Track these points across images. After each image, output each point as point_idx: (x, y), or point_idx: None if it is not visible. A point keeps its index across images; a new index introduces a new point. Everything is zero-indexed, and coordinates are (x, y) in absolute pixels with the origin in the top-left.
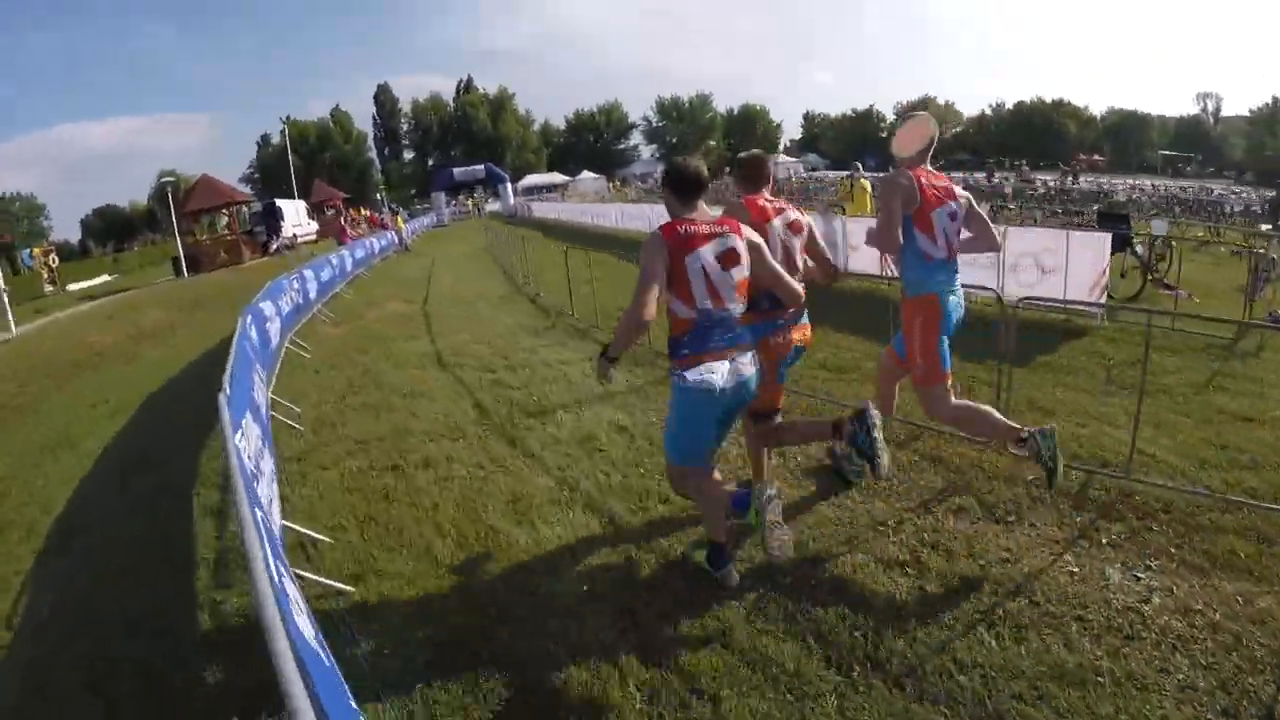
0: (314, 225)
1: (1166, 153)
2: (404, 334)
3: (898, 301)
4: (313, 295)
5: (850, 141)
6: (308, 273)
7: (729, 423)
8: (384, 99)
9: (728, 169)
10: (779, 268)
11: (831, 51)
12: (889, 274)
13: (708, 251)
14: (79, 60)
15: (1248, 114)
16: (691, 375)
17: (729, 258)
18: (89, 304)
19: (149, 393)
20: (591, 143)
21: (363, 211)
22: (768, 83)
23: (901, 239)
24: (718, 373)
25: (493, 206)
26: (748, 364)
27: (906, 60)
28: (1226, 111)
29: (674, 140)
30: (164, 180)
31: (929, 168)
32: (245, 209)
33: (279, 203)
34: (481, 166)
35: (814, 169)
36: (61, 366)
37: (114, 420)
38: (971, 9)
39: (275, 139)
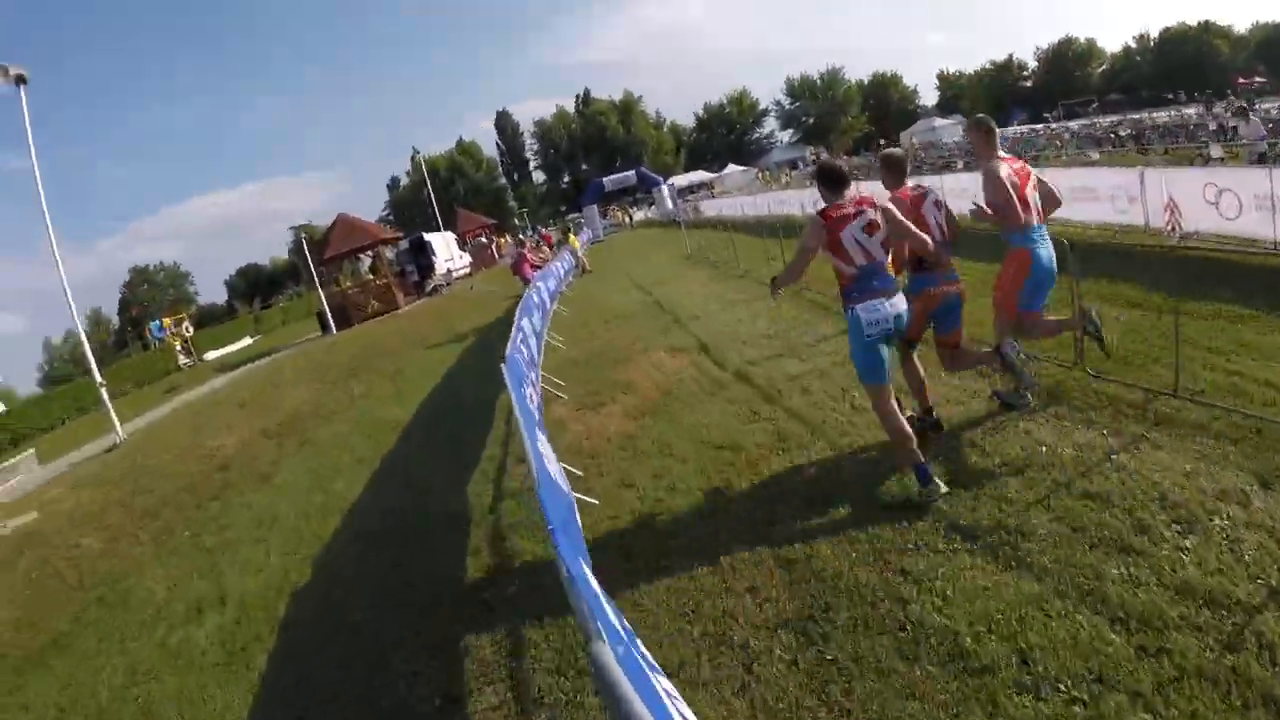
0: (466, 257)
1: None
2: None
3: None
4: (535, 351)
5: (991, 97)
6: (524, 323)
7: (889, 344)
8: (504, 125)
9: (875, 146)
10: (910, 226)
11: (943, 10)
12: None
13: (855, 226)
14: (201, 136)
15: None
16: (861, 308)
17: (870, 227)
18: (224, 377)
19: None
20: (724, 135)
21: (535, 232)
22: (879, 54)
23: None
24: (879, 308)
25: (640, 215)
26: (900, 302)
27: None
28: None
29: (810, 120)
30: (298, 229)
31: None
32: (390, 249)
33: (427, 237)
34: (632, 173)
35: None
36: (166, 497)
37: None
38: None
39: (404, 180)
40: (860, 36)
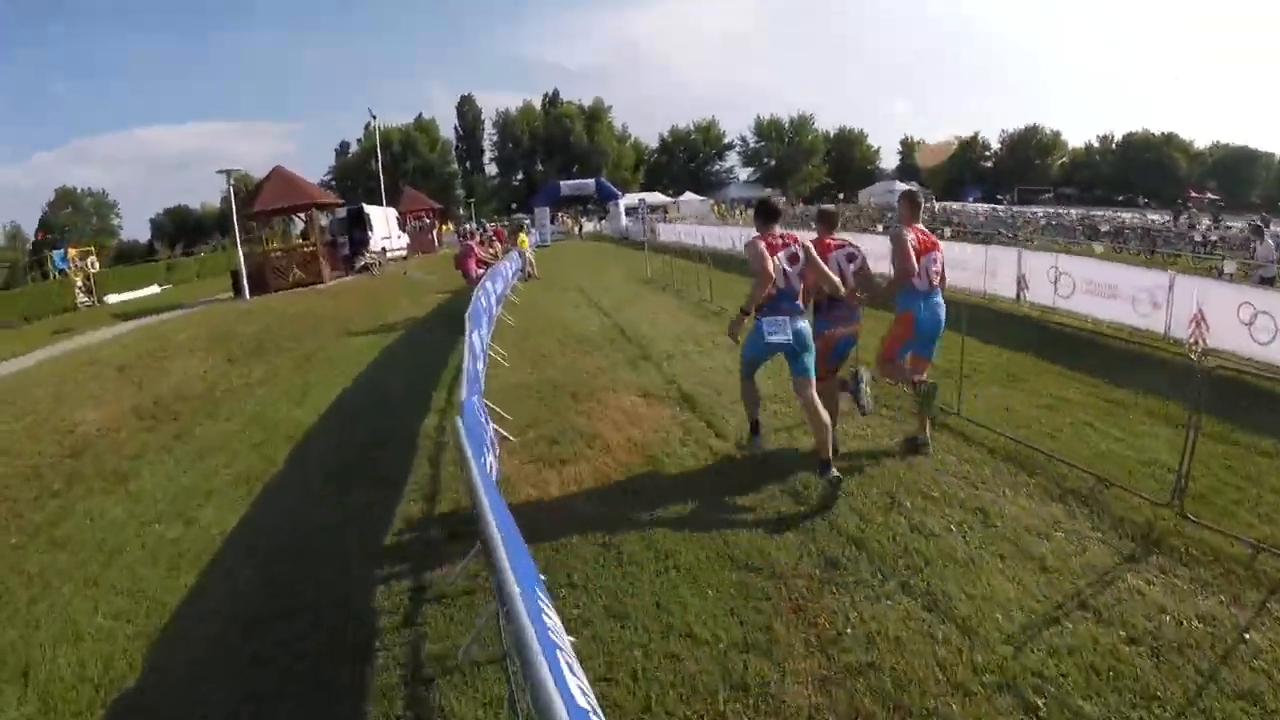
0: (404, 238)
1: None
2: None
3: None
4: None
5: (951, 170)
6: (474, 339)
7: (792, 359)
8: (467, 110)
9: (832, 198)
10: (824, 267)
11: (910, 81)
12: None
13: (783, 254)
14: (157, 65)
15: None
16: (766, 320)
17: (793, 259)
18: (119, 327)
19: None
20: (685, 162)
21: (482, 226)
22: (845, 112)
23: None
24: (780, 324)
25: (589, 226)
26: (802, 325)
27: (990, 89)
28: None
29: (772, 162)
30: (229, 173)
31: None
32: (325, 215)
33: (367, 209)
34: (591, 181)
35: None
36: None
37: None
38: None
39: (354, 147)
40: (831, 90)
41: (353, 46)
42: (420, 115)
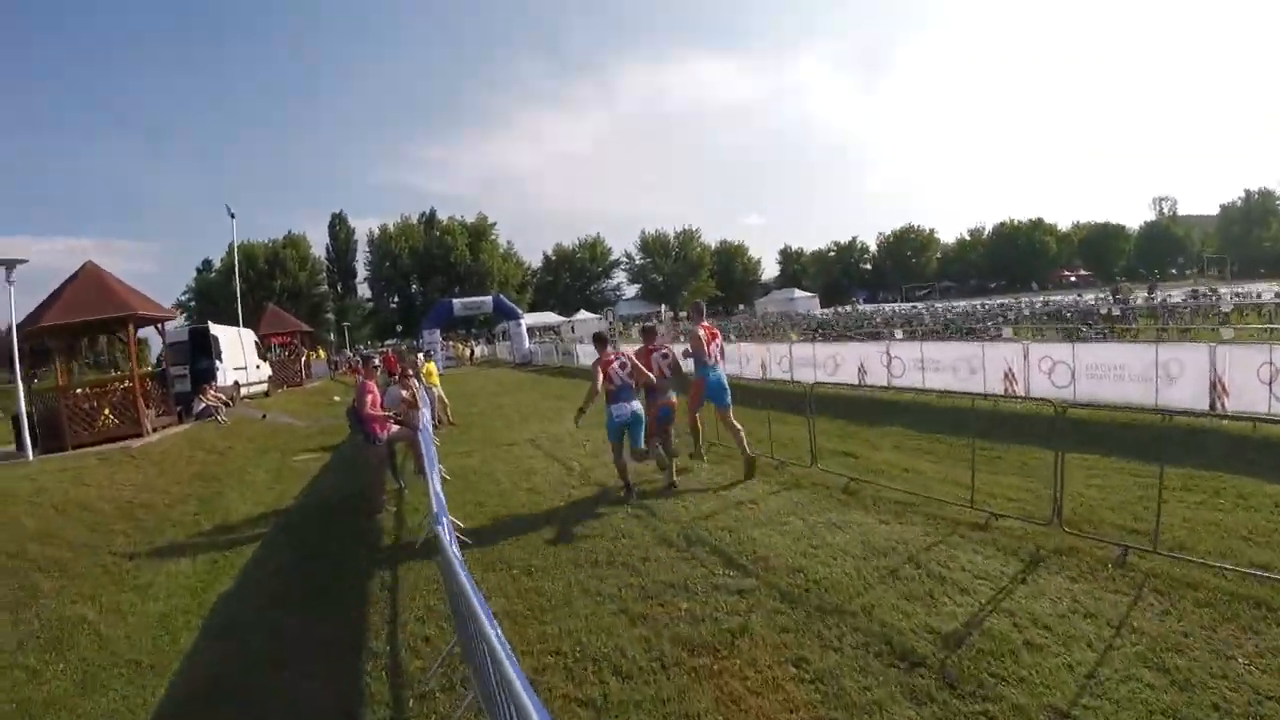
0: (265, 369)
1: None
2: None
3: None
4: None
5: (833, 275)
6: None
7: (631, 429)
8: (338, 230)
9: (722, 311)
10: (643, 369)
11: (764, 197)
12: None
13: (615, 365)
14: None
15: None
16: (613, 407)
17: (623, 366)
18: None
19: None
20: (571, 282)
21: (356, 353)
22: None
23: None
24: (623, 408)
25: (479, 350)
26: (636, 405)
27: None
28: (1182, 211)
29: (660, 279)
30: (8, 268)
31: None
32: (158, 331)
33: (215, 330)
34: (489, 299)
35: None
36: None
37: None
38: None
39: (218, 265)
40: (697, 208)
41: (215, 161)
42: (290, 231)
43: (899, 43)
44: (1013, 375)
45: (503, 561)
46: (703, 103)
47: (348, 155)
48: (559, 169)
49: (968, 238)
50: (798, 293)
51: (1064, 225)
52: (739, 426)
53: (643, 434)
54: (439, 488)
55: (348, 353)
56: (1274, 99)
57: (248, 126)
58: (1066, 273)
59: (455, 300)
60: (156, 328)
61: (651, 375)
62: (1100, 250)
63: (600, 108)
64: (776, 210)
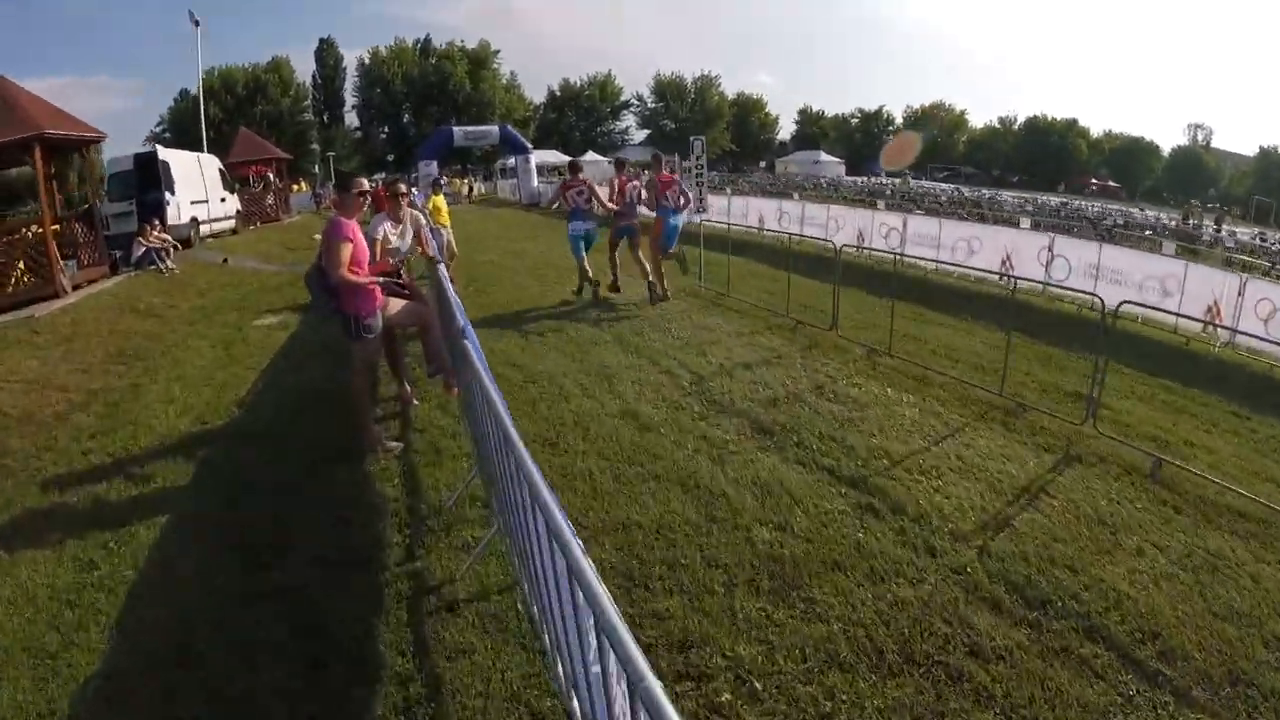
0: (232, 203)
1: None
2: None
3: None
4: None
5: (855, 143)
6: None
7: (585, 241)
8: (327, 56)
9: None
10: (601, 196)
11: (779, 56)
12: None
13: (574, 191)
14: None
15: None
16: (570, 225)
17: (581, 193)
18: None
19: None
20: (576, 121)
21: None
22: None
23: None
24: (578, 226)
25: (479, 188)
26: (591, 225)
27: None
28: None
29: (673, 126)
30: None
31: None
32: (85, 157)
33: (165, 155)
34: (494, 129)
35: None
36: None
37: None
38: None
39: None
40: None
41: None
42: (275, 56)
43: None
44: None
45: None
46: None
47: None
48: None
49: (998, 125)
50: (824, 155)
51: (1095, 132)
52: (660, 263)
53: (589, 247)
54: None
55: (332, 185)
56: None
57: None
58: (1094, 181)
59: (456, 129)
60: (80, 153)
61: (610, 205)
62: (1129, 164)
63: None
64: (793, 71)
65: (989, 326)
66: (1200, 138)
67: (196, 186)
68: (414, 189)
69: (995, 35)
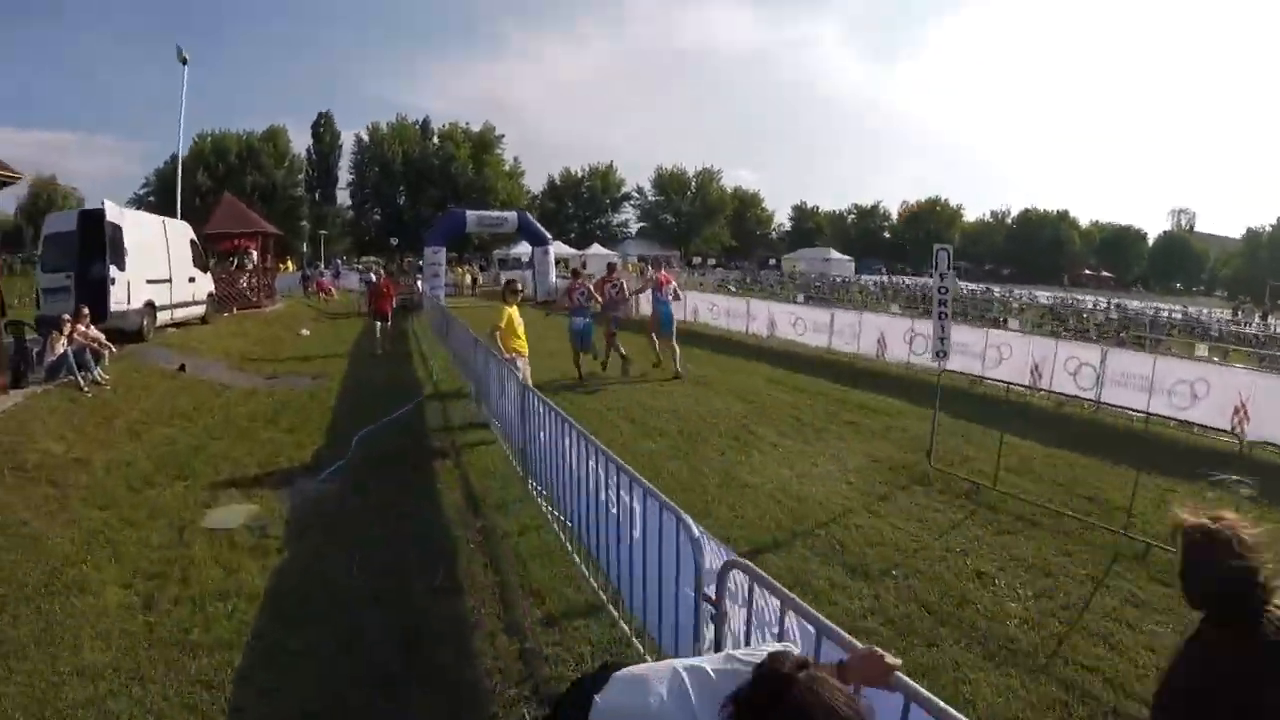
0: (204, 284)
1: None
2: None
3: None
4: None
5: (849, 238)
6: None
7: (585, 334)
8: (324, 131)
9: (732, 264)
10: (595, 294)
11: (764, 153)
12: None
13: (578, 291)
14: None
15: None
16: (572, 320)
17: (583, 293)
18: None
19: None
20: (574, 212)
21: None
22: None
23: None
24: (578, 320)
25: (480, 277)
26: (588, 320)
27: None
28: (1199, 228)
29: (673, 220)
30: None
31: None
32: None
33: (114, 214)
34: (512, 215)
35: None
36: None
37: None
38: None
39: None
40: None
41: (206, 59)
42: (271, 125)
43: (930, 24)
44: None
45: None
46: (713, 46)
47: (345, 61)
48: (562, 97)
49: (989, 220)
50: (834, 254)
51: (1084, 222)
52: (676, 348)
53: (591, 339)
54: None
55: (321, 266)
56: None
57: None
58: (1088, 271)
59: (470, 213)
60: None
61: (600, 299)
62: (1118, 253)
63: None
64: (777, 168)
65: None
66: (1184, 222)
67: (157, 261)
68: (418, 277)
69: (984, 129)
